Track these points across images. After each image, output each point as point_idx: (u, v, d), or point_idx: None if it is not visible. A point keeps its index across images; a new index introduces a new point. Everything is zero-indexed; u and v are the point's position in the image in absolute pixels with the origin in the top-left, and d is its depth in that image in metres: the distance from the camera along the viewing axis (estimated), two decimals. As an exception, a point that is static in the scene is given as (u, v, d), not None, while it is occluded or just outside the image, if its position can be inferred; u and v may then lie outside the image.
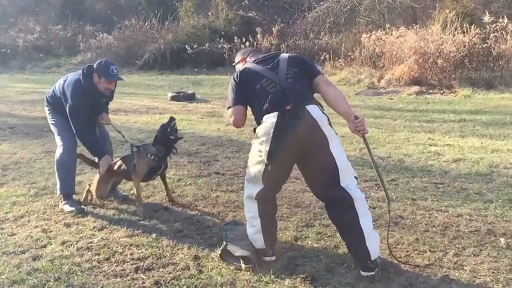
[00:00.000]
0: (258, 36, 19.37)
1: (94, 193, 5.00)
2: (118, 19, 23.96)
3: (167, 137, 4.69)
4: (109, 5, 28.95)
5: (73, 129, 4.73)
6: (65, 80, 4.80)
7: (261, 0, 23.21)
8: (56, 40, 25.89)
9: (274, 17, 21.19)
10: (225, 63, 19.68)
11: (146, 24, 22.67)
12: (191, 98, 13.31)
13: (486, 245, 3.80)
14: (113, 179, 5.04)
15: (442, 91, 13.27)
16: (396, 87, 14.13)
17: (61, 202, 4.89)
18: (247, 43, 19.08)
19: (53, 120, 5.00)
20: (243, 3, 22.16)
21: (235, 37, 19.50)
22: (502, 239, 3.87)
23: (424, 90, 13.44)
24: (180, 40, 20.98)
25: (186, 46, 19.92)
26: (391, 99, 12.74)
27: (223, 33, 20.42)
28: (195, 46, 19.93)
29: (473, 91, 12.62)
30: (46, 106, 5.08)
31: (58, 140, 4.95)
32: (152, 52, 20.39)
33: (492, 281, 3.25)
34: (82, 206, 4.83)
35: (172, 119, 4.75)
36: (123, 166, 4.91)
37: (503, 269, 3.40)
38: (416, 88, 13.50)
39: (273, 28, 19.41)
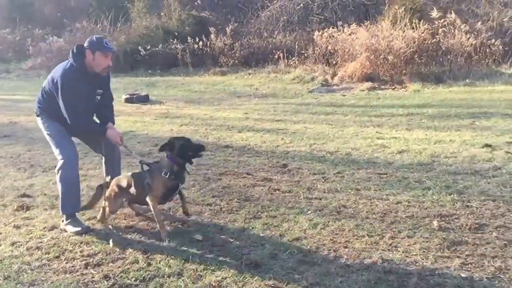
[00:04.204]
0: (212, 36, 19.47)
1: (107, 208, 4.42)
2: (69, 22, 23.57)
3: (183, 153, 4.18)
4: (58, 8, 28.36)
5: (67, 116, 4.25)
6: (53, 74, 4.34)
7: (215, -1, 23.33)
8: (5, 44, 25.31)
9: (228, 17, 21.31)
10: (179, 64, 19.69)
11: (97, 26, 22.39)
12: (145, 100, 13.31)
13: (420, 228, 4.03)
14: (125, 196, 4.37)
15: (393, 87, 13.71)
16: (349, 83, 14.51)
17: (64, 221, 4.36)
18: (201, 43, 19.16)
19: (49, 130, 4.46)
20: (196, 3, 22.18)
21: (189, 38, 19.54)
22: (435, 222, 4.11)
23: (376, 86, 13.85)
24: (133, 41, 20.83)
25: (139, 48, 19.80)
26: (344, 95, 13.07)
27: (176, 33, 20.42)
28: (148, 48, 19.84)
29: (423, 86, 13.11)
30: (38, 115, 4.54)
31: (57, 153, 4.39)
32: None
33: (422, 259, 3.47)
34: (87, 225, 4.35)
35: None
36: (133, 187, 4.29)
37: (433, 248, 3.63)
38: (368, 84, 13.90)
39: (227, 28, 19.53)
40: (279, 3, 20.53)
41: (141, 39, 20.59)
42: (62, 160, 4.32)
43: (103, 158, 4.75)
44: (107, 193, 4.36)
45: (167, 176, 4.09)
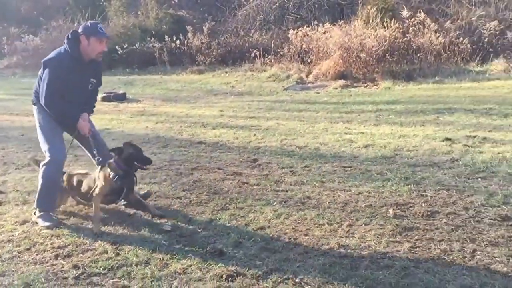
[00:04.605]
0: (189, 34, 19.59)
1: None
2: (45, 20, 23.43)
3: (129, 160, 4.34)
4: (35, 6, 28.12)
5: (42, 95, 4.28)
6: (44, 59, 4.37)
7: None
8: (-21, 43, 24.99)
9: (205, 15, 21.47)
10: (157, 63, 19.79)
11: (74, 24, 22.30)
12: (121, 98, 13.42)
13: (377, 216, 4.29)
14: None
15: (366, 84, 14.06)
16: (323, 81, 14.81)
17: (35, 214, 4.43)
18: (178, 42, 19.27)
19: (42, 123, 4.49)
20: (173, 2, 22.28)
21: (166, 36, 19.65)
22: (390, 210, 4.37)
23: (349, 84, 14.18)
24: (110, 40, 20.77)
25: (117, 47, 19.81)
26: (318, 93, 13.36)
27: (153, 32, 20.49)
28: (125, 46, 19.88)
29: (394, 83, 13.49)
30: (34, 104, 4.56)
31: (45, 149, 4.41)
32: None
33: (375, 244, 3.72)
34: (57, 218, 4.46)
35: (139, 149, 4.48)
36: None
37: (386, 234, 3.89)
38: (341, 82, 14.22)
39: (204, 27, 19.68)
40: (255, 2, 20.75)
41: (119, 38, 20.60)
42: (49, 158, 4.36)
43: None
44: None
45: (114, 179, 4.27)
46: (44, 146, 4.44)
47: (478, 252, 3.52)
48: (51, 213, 4.43)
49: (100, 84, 4.75)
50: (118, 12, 23.37)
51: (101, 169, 4.40)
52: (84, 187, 4.53)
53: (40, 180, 4.42)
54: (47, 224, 4.30)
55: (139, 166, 4.40)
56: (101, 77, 4.73)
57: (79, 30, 4.32)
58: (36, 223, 4.39)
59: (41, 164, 4.46)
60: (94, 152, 4.53)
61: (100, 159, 4.44)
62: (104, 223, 4.43)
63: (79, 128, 4.47)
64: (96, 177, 4.41)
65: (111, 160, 4.37)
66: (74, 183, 4.62)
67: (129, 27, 21.40)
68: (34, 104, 4.58)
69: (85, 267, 3.56)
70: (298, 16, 19.80)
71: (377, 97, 11.63)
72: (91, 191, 4.41)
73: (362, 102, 10.92)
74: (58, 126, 4.49)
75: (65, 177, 4.64)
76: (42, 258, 3.75)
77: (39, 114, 4.52)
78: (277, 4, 20.22)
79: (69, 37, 4.33)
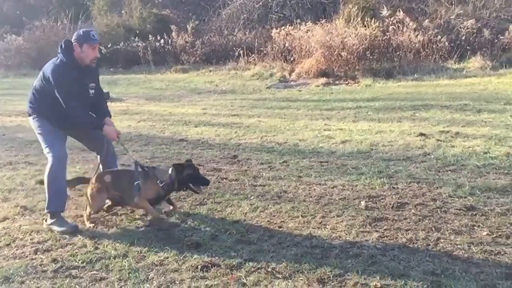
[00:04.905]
0: (173, 34, 19.66)
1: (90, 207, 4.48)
2: (28, 20, 23.29)
3: (186, 180, 4.38)
4: (18, 5, 27.88)
5: (67, 110, 4.31)
6: (44, 71, 4.41)
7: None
8: (-39, 43, 24.74)
9: (189, 15, 21.57)
10: (141, 62, 19.83)
11: (58, 24, 22.24)
12: (105, 97, 13.41)
13: (350, 208, 4.46)
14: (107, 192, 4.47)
15: (347, 82, 14.28)
16: (306, 79, 15.00)
17: (48, 220, 4.35)
18: (162, 41, 19.34)
19: (40, 130, 4.48)
20: (157, 1, 22.33)
21: (150, 36, 19.70)
22: (362, 202, 4.54)
23: (331, 81, 14.39)
24: (94, 39, 20.78)
25: (101, 46, 19.74)
26: (300, 91, 13.54)
27: (137, 31, 20.54)
28: (109, 46, 19.88)
29: (374, 81, 13.73)
30: (30, 114, 4.56)
31: (47, 151, 4.42)
32: (65, 53, 20.10)
33: (346, 234, 3.89)
34: (75, 223, 4.37)
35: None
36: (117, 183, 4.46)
37: (357, 225, 4.05)
38: (323, 80, 14.42)
39: (188, 26, 19.77)
40: (239, 1, 20.89)
41: (102, 37, 20.56)
42: (52, 158, 4.36)
43: (98, 156, 4.80)
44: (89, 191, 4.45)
45: (161, 185, 4.34)
46: (45, 150, 4.45)
47: (442, 240, 3.70)
48: (62, 216, 4.38)
49: (102, 90, 4.84)
50: (101, 11, 23.34)
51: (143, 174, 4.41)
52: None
53: (46, 181, 4.38)
54: (63, 228, 4.24)
55: (193, 189, 4.41)
56: (99, 82, 4.77)
57: (72, 39, 4.39)
58: (51, 230, 4.28)
59: (46, 167, 4.42)
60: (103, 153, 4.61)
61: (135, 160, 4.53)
62: (82, 219, 4.52)
63: (105, 134, 4.49)
64: (141, 182, 4.34)
65: (169, 172, 4.37)
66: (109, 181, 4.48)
67: (113, 26, 21.41)
68: (30, 115, 4.59)
69: (64, 261, 3.67)
70: (281, 15, 19.99)
71: (357, 94, 11.84)
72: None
73: (343, 100, 11.11)
74: (59, 131, 4.49)
75: (95, 179, 4.50)
76: (22, 253, 3.85)
77: (36, 122, 4.52)
78: (261, 3, 20.39)
79: (62, 46, 4.40)
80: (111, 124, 4.59)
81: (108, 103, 12.62)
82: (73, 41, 4.38)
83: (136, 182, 4.31)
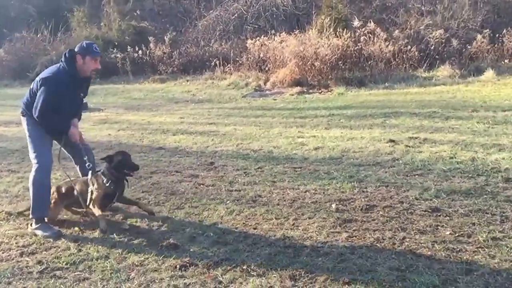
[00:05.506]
0: (151, 45, 19.84)
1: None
2: (9, 32, 23.17)
3: (119, 167, 4.57)
4: (-2, 18, 27.69)
5: (36, 109, 4.41)
6: (42, 76, 4.53)
7: (156, 9, 23.66)
8: None
9: (167, 26, 21.76)
10: (119, 72, 19.92)
11: (38, 36, 22.20)
12: (83, 107, 13.48)
13: (321, 210, 4.69)
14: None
15: (320, 91, 14.63)
16: (280, 88, 15.31)
17: (33, 225, 4.50)
18: (140, 52, 19.49)
19: (30, 133, 4.60)
20: (135, 13, 22.48)
21: (128, 47, 19.85)
22: (333, 205, 4.78)
23: (305, 90, 14.72)
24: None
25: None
26: (275, 99, 13.81)
27: (116, 43, 20.65)
28: (87, 57, 19.86)
29: (347, 89, 14.10)
30: (24, 115, 4.67)
31: (33, 157, 4.55)
32: (44, 64, 19.96)
33: (317, 235, 4.11)
34: (58, 229, 4.49)
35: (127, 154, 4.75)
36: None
37: (327, 226, 4.29)
38: (298, 89, 14.75)
39: (165, 37, 19.97)
40: (215, 13, 21.18)
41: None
42: (37, 165, 4.49)
43: (73, 160, 4.96)
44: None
45: (107, 184, 4.52)
46: (32, 155, 4.58)
47: (407, 239, 3.94)
48: (46, 222, 4.52)
49: (86, 95, 4.94)
50: (81, 23, 23.36)
51: (93, 175, 4.60)
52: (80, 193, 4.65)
53: (31, 188, 4.52)
54: (47, 233, 4.38)
55: (128, 173, 4.61)
56: (88, 90, 4.91)
57: (76, 50, 4.52)
58: (35, 234, 4.42)
59: (31, 173, 4.55)
60: (85, 158, 4.68)
61: (90, 165, 4.65)
62: (66, 223, 4.68)
63: (70, 135, 4.62)
64: (90, 184, 4.57)
65: (104, 168, 4.61)
66: (64, 191, 4.74)
67: (92, 38, 21.34)
68: (23, 115, 4.69)
69: (49, 263, 3.82)
70: (256, 26, 20.32)
71: (330, 102, 12.17)
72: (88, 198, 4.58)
73: (316, 108, 11.41)
74: (47, 136, 4.62)
75: (53, 190, 4.71)
76: (8, 255, 3.99)
77: (28, 125, 4.63)
78: (236, 15, 20.70)
79: (66, 55, 4.52)
80: (76, 125, 4.73)
81: (86, 114, 12.71)
82: (76, 52, 4.52)
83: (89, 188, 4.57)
